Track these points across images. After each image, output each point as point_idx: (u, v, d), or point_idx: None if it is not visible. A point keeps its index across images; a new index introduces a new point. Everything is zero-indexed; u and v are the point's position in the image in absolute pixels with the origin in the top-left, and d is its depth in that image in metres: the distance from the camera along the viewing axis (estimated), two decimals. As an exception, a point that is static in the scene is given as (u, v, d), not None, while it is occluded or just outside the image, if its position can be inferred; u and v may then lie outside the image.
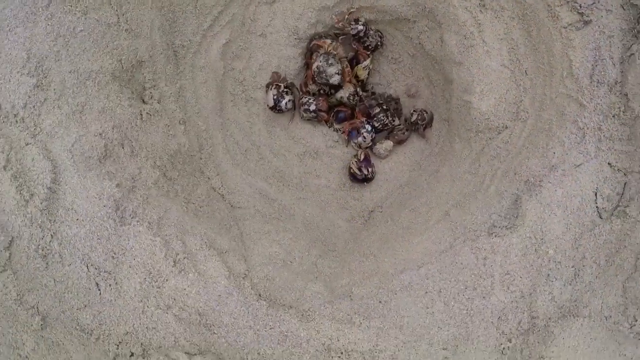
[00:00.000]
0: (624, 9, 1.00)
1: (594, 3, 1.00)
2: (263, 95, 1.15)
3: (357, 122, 1.15)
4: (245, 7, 1.10)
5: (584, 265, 0.83)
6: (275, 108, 1.14)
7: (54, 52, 0.90)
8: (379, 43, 1.16)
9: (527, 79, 1.03)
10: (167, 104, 1.02)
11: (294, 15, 1.11)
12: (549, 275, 0.83)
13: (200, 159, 1.04)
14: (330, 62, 1.11)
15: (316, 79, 1.13)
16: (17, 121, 0.86)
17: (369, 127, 1.14)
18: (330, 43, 1.14)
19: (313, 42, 1.15)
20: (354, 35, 1.14)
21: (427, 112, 1.17)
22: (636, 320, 0.77)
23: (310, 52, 1.16)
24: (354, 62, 1.17)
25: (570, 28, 1.01)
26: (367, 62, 1.15)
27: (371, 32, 1.14)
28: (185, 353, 0.78)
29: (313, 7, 1.11)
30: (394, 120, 1.16)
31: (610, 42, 0.98)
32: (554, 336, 0.79)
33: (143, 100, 0.99)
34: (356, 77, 1.17)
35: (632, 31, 0.99)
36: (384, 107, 1.14)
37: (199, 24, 1.06)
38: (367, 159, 1.13)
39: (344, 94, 1.15)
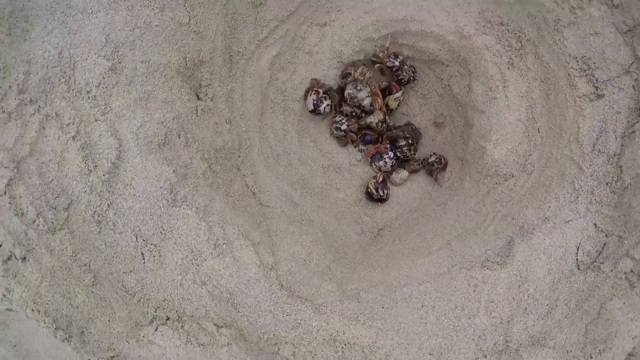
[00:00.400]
0: (634, 90, 1.13)
1: (609, 80, 1.14)
2: (300, 106, 1.28)
3: (382, 147, 1.28)
4: (299, 25, 1.22)
5: (556, 305, 0.99)
6: (315, 111, 1.26)
7: (130, 41, 1.01)
8: (411, 78, 1.28)
9: (539, 137, 1.17)
10: (218, 103, 1.14)
11: (341, 40, 1.24)
12: (526, 308, 0.98)
13: (239, 157, 1.17)
14: (359, 88, 1.24)
15: (349, 103, 1.26)
16: (89, 97, 0.98)
17: (391, 154, 1.28)
18: (359, 71, 1.25)
19: (347, 66, 1.27)
20: (389, 67, 1.27)
21: (444, 158, 1.30)
22: (591, 358, 0.93)
23: (342, 77, 1.28)
24: (386, 92, 1.29)
25: (584, 98, 1.14)
26: (399, 94, 1.28)
27: (406, 67, 1.27)
28: (214, 324, 0.91)
29: (359, 37, 1.23)
30: (414, 154, 1.29)
31: (617, 117, 1.12)
32: (522, 359, 0.94)
33: (198, 97, 1.11)
34: (387, 105, 1.30)
35: (638, 111, 1.13)
36: (410, 140, 1.28)
37: (256, 34, 1.18)
38: (384, 181, 1.27)
39: (373, 119, 1.28)
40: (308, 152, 1.29)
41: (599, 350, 0.92)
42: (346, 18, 1.23)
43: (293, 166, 1.25)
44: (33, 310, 0.87)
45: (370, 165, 1.33)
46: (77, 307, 0.88)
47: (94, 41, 0.99)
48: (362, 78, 1.27)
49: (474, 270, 1.02)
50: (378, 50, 1.25)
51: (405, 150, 1.27)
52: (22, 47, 0.96)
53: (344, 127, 1.27)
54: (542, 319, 0.97)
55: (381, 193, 1.24)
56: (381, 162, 1.28)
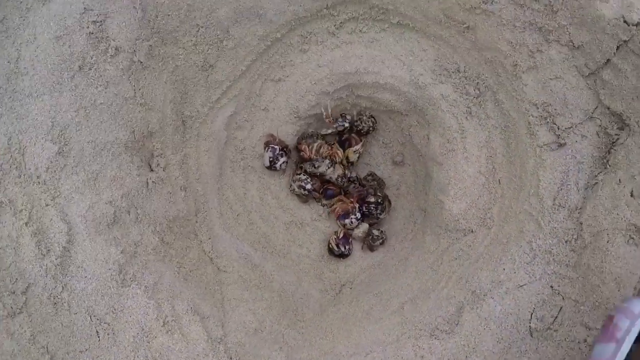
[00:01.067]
0: (598, 136, 1.09)
1: (571, 127, 1.10)
2: (260, 164, 1.29)
3: (350, 206, 1.28)
4: (253, 83, 1.22)
5: (505, 378, 0.99)
6: (271, 167, 1.27)
7: (75, 122, 1.04)
8: (371, 128, 1.28)
9: (499, 188, 1.15)
10: (171, 171, 1.16)
11: (296, 95, 1.23)
12: (473, 380, 0.99)
13: (196, 222, 1.20)
14: (317, 165, 1.24)
15: (309, 170, 1.26)
16: (39, 182, 1.01)
17: (358, 215, 1.28)
18: (311, 148, 1.27)
19: (299, 142, 1.27)
20: (340, 131, 1.27)
21: (384, 233, 1.32)
22: None
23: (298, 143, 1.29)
24: (346, 144, 1.29)
25: (545, 148, 1.11)
26: (359, 146, 1.28)
27: (364, 117, 1.26)
28: (166, 403, 0.96)
29: (314, 91, 1.23)
30: (381, 214, 1.29)
31: (579, 167, 1.09)
32: None
33: (150, 168, 1.13)
34: (347, 158, 1.30)
35: (601, 159, 1.09)
36: (380, 201, 1.27)
37: (208, 96, 1.19)
38: (345, 237, 1.27)
39: (333, 175, 1.29)
40: (270, 209, 1.30)
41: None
42: (300, 73, 1.23)
43: (254, 225, 1.27)
44: (-6, 396, 0.94)
45: (336, 221, 1.33)
46: (34, 392, 0.94)
47: (40, 125, 1.02)
48: (318, 156, 1.27)
49: (422, 340, 1.03)
50: (326, 118, 1.25)
51: (373, 208, 1.28)
52: None
53: (308, 186, 1.28)
54: (491, 391, 0.98)
55: (342, 249, 1.25)
56: (347, 220, 1.29)
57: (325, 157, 1.26)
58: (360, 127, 1.27)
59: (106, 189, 1.03)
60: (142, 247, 1.04)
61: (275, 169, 1.27)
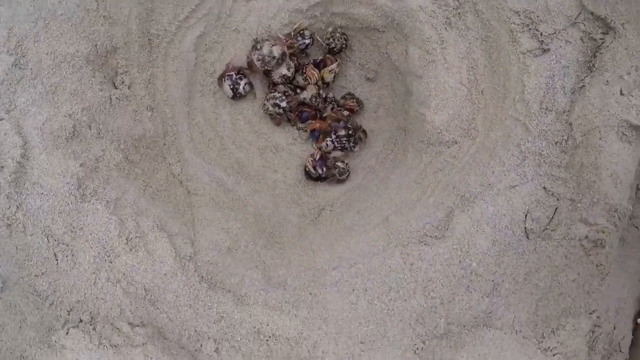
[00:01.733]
0: (582, 42, 1.08)
1: (554, 33, 1.09)
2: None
3: (328, 127, 1.23)
4: (223, 2, 1.19)
5: (503, 281, 0.94)
6: (236, 96, 1.22)
7: (33, 33, 0.99)
8: (344, 45, 1.24)
9: (482, 99, 1.12)
10: (136, 90, 1.11)
11: (268, 14, 1.20)
12: (468, 286, 0.94)
13: (164, 145, 1.14)
14: (259, 46, 1.17)
15: (262, 67, 1.18)
16: (-7, 96, 0.96)
17: (333, 137, 1.23)
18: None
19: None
20: (303, 49, 1.23)
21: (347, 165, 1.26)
22: (544, 337, 0.88)
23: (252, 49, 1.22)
24: (321, 65, 1.25)
25: (529, 55, 1.09)
26: (334, 65, 1.25)
27: (337, 34, 1.23)
28: (129, 324, 0.89)
29: (287, 9, 1.20)
30: (352, 148, 1.24)
31: (564, 72, 1.07)
32: (465, 343, 0.90)
33: (114, 85, 1.08)
34: (322, 79, 1.26)
35: (587, 64, 1.07)
36: (350, 132, 1.22)
37: (175, 14, 1.15)
38: (322, 158, 1.23)
39: (306, 95, 1.24)
40: (243, 134, 1.26)
41: (552, 329, 0.87)
42: (271, -9, 1.20)
43: (227, 150, 1.22)
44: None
45: (312, 142, 1.28)
46: (-16, 315, 0.86)
47: (-5, 36, 0.97)
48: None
49: (410, 247, 0.98)
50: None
51: (345, 141, 1.22)
52: None
53: (283, 104, 1.23)
54: (487, 297, 0.93)
55: (320, 171, 1.21)
56: (322, 144, 1.24)
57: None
58: (333, 45, 1.24)
59: (65, 102, 0.98)
60: (104, 163, 0.98)
61: (241, 95, 1.22)
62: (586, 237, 0.93)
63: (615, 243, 0.92)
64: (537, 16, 1.10)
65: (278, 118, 1.27)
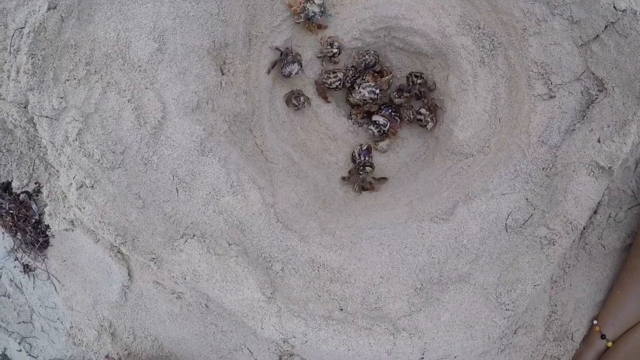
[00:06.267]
0: (582, 95, 1.56)
1: (562, 84, 1.57)
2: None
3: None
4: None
5: (482, 255, 1.50)
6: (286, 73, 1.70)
7: (171, 27, 1.49)
8: (377, 61, 1.77)
9: (498, 125, 1.64)
10: (237, 77, 1.64)
11: (343, 30, 1.75)
12: (458, 254, 1.50)
13: (252, 121, 1.68)
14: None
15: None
16: (140, 71, 1.47)
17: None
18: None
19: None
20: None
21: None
22: (500, 295, 1.43)
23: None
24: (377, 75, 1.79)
25: (538, 98, 1.58)
26: (389, 77, 1.76)
27: (371, 52, 1.76)
28: (226, 242, 1.45)
29: (358, 28, 1.76)
30: (431, 123, 1.72)
31: (563, 116, 1.56)
32: (449, 290, 1.46)
33: (222, 72, 1.60)
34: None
35: (581, 112, 1.57)
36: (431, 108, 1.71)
37: (271, 21, 1.66)
38: (367, 150, 1.76)
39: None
40: (309, 121, 1.79)
41: (507, 290, 1.44)
42: (348, 12, 1.71)
43: (295, 132, 1.77)
44: (100, 222, 1.42)
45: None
46: (131, 222, 1.43)
47: (144, 27, 1.47)
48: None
49: (424, 223, 1.54)
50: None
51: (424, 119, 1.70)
52: (88, 29, 1.45)
53: (372, 93, 1.72)
54: (469, 264, 1.49)
55: (362, 159, 1.74)
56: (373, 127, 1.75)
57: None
58: (368, 61, 1.75)
59: (192, 82, 1.50)
60: (216, 130, 1.52)
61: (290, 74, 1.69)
62: (545, 236, 1.46)
63: (564, 244, 1.46)
64: (551, 68, 1.57)
65: (370, 104, 1.77)
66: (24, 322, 1.79)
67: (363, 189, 1.72)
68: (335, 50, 1.72)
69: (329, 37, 1.70)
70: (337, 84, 1.73)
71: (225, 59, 1.62)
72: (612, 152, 1.43)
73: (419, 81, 1.71)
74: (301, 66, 1.72)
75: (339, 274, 1.49)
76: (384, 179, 1.70)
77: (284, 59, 1.66)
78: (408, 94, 1.71)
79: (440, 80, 1.75)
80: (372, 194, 1.71)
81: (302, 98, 1.74)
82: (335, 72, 1.73)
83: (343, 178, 1.70)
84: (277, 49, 1.65)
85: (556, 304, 1.64)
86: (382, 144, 1.81)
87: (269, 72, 1.65)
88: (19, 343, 1.81)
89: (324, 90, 1.75)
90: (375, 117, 1.73)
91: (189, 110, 1.49)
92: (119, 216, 1.42)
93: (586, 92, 1.54)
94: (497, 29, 1.63)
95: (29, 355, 1.82)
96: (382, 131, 1.74)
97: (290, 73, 1.69)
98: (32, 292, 1.76)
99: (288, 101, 1.72)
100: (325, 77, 1.74)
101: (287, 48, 1.69)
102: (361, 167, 1.68)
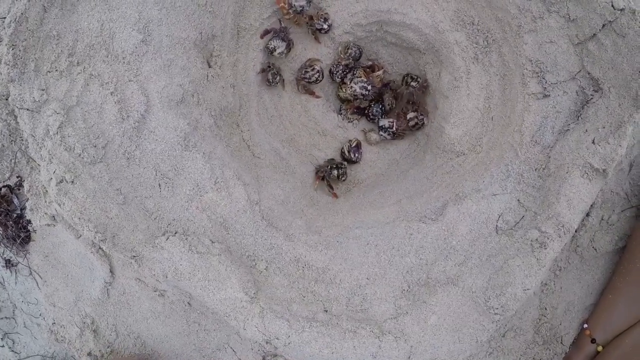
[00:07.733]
0: (577, 95, 1.55)
1: (557, 83, 1.56)
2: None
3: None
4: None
5: (471, 257, 1.50)
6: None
7: (157, 18, 1.47)
8: (359, 55, 1.77)
9: (491, 124, 1.63)
10: (225, 70, 1.63)
11: (334, 23, 1.69)
12: (447, 256, 1.50)
13: (239, 115, 1.67)
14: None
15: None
16: (124, 62, 1.46)
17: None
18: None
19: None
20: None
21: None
22: (489, 299, 1.43)
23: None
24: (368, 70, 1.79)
25: (532, 96, 1.57)
26: (380, 72, 1.73)
27: (353, 46, 1.75)
28: (209, 240, 1.45)
29: (350, 22, 1.74)
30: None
31: (557, 116, 1.55)
32: (437, 293, 1.46)
33: (209, 65, 1.58)
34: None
35: (576, 113, 1.56)
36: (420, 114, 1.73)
37: (260, 13, 1.65)
38: (357, 146, 1.75)
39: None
40: (298, 116, 1.78)
41: (496, 294, 1.43)
42: (339, 4, 1.69)
43: (284, 127, 1.76)
44: (80, 218, 1.41)
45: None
46: (111, 218, 1.43)
47: (129, 17, 1.46)
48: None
49: (412, 223, 1.54)
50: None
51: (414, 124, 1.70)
52: (71, 19, 1.44)
53: (369, 87, 1.72)
54: (458, 266, 1.48)
55: (352, 156, 1.74)
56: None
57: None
58: (353, 54, 1.75)
59: (177, 74, 1.49)
60: (201, 124, 1.52)
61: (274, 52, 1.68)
62: (536, 239, 1.46)
63: (555, 248, 1.45)
64: (546, 67, 1.56)
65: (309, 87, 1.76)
66: (6, 317, 1.79)
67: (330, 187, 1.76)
68: (326, 27, 1.70)
69: (325, 13, 1.70)
70: (316, 76, 1.73)
71: (213, 52, 1.61)
72: (606, 154, 1.42)
73: (413, 83, 1.71)
74: (289, 50, 1.71)
75: (324, 274, 1.49)
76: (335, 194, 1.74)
77: (277, 34, 1.65)
78: (401, 101, 1.73)
79: (432, 76, 1.74)
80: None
81: (278, 77, 1.74)
82: (312, 66, 1.73)
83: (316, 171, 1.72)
84: (268, 30, 1.64)
85: (546, 307, 1.64)
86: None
87: (260, 72, 1.65)
88: (1, 339, 1.81)
89: (306, 86, 1.75)
90: (381, 123, 1.75)
91: (173, 104, 1.48)
92: (99, 212, 1.42)
93: (581, 92, 1.53)
94: (491, 25, 1.61)
95: (12, 351, 1.82)
96: (392, 133, 1.75)
97: (274, 49, 1.69)
98: (15, 287, 1.76)
99: (263, 73, 1.71)
100: (304, 72, 1.73)
101: (285, 27, 1.68)
102: (328, 172, 1.71)
